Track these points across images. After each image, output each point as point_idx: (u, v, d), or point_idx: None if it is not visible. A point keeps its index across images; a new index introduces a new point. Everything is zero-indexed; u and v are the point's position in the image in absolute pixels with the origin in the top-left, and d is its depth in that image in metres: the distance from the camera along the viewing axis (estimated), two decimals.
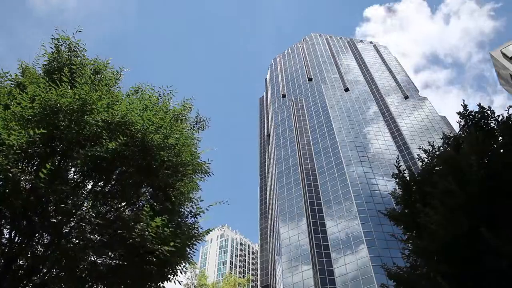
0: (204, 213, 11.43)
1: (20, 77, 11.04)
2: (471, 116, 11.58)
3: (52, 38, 11.48)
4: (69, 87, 10.16)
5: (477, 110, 11.60)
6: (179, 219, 11.36)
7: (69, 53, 11.75)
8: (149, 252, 9.11)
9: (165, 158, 10.28)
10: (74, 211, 9.40)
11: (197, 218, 11.52)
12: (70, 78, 10.58)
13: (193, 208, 11.65)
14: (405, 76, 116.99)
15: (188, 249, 10.70)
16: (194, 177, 11.76)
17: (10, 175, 8.12)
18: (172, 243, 9.17)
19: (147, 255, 9.17)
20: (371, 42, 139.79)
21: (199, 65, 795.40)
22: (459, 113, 11.85)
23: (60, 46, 11.66)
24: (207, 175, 12.14)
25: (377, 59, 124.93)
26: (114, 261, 9.98)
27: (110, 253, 9.90)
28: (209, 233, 11.71)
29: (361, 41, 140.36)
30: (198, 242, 11.16)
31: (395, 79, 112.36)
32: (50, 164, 8.66)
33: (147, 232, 8.89)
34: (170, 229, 9.52)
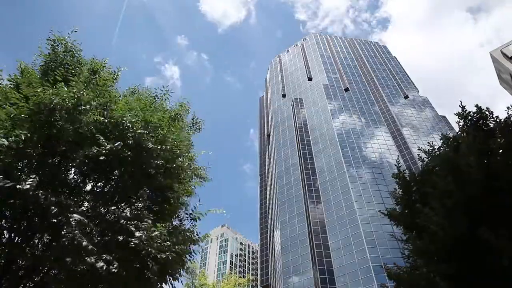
0: (203, 216, 11.42)
1: (19, 77, 11.00)
2: (469, 117, 11.55)
3: (47, 39, 11.43)
4: (64, 87, 10.13)
5: (475, 110, 11.56)
6: (177, 223, 11.38)
7: (65, 53, 11.72)
8: (148, 256, 9.12)
9: (159, 163, 10.32)
10: (73, 210, 9.38)
11: (196, 221, 11.51)
12: (64, 76, 10.50)
13: (192, 211, 11.65)
14: (406, 76, 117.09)
15: (187, 255, 10.70)
16: (191, 181, 11.83)
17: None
18: (171, 247, 9.20)
19: (146, 259, 9.17)
20: (371, 42, 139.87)
21: (199, 65, 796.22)
22: (457, 114, 11.81)
23: (56, 47, 11.61)
24: (204, 180, 12.24)
25: (377, 58, 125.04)
26: (114, 263, 10.00)
27: (109, 257, 9.91)
28: (207, 238, 11.68)
29: (361, 40, 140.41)
30: (198, 245, 11.16)
31: (395, 78, 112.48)
32: (50, 162, 8.66)
33: (144, 236, 8.90)
34: (169, 232, 9.53)
